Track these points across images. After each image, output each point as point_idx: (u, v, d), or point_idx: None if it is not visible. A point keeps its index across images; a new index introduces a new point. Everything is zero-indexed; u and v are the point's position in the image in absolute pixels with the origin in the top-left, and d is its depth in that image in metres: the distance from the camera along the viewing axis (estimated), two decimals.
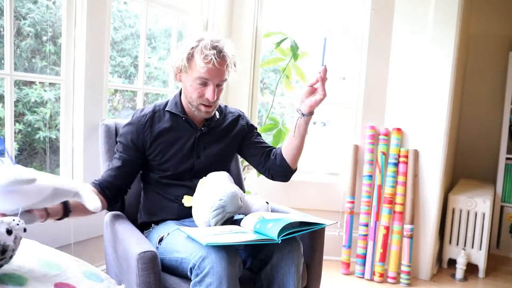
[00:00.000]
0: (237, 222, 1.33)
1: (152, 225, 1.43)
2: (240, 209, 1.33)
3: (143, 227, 1.46)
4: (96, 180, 1.34)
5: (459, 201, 2.55)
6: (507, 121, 2.91)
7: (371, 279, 2.38)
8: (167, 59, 2.52)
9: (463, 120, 3.22)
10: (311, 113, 1.36)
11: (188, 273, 1.15)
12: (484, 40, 3.11)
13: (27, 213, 1.01)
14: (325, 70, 1.30)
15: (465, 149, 3.22)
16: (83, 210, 1.20)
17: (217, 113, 1.48)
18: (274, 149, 1.51)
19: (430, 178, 2.37)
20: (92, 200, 1.07)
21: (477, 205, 2.50)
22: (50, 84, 1.85)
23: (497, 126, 3.01)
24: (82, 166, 1.74)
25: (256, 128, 1.58)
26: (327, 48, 1.33)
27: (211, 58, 1.27)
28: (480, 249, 2.49)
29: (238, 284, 1.14)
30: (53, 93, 1.87)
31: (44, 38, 1.85)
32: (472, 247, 2.51)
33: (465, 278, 2.45)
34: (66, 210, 1.15)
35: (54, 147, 1.85)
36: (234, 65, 1.37)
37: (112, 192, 1.34)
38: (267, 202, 1.43)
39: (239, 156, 1.80)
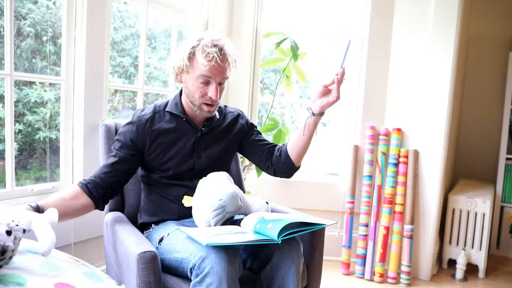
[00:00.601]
0: (237, 223, 1.33)
1: (152, 225, 1.43)
2: (240, 209, 1.33)
3: (143, 227, 1.46)
4: (84, 179, 1.30)
5: (459, 201, 2.55)
6: (507, 121, 2.91)
7: (371, 279, 2.38)
8: (167, 60, 2.52)
9: (463, 120, 3.22)
10: (321, 114, 1.36)
11: (188, 273, 1.15)
12: (484, 40, 3.12)
13: None
14: (343, 73, 1.30)
15: (465, 149, 3.22)
16: (65, 215, 1.21)
17: (217, 113, 1.48)
18: (278, 146, 1.51)
19: (430, 178, 2.37)
20: (42, 243, 0.89)
21: (477, 205, 2.50)
22: (50, 84, 1.85)
23: (497, 126, 3.01)
24: (82, 166, 1.74)
25: (256, 127, 1.58)
26: (349, 51, 1.31)
27: (213, 56, 1.27)
28: (480, 249, 2.49)
29: (238, 284, 1.14)
30: (53, 93, 1.87)
31: (44, 38, 1.85)
32: (472, 247, 2.51)
33: (465, 278, 2.45)
34: None
35: (54, 147, 1.85)
36: (235, 63, 1.37)
37: (101, 193, 1.29)
38: (267, 202, 1.43)
39: (239, 156, 1.80)
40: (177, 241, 1.23)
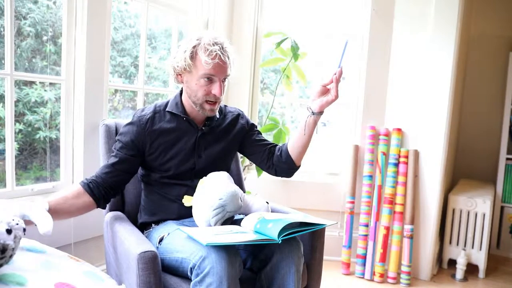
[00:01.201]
0: (237, 222, 1.33)
1: (152, 225, 1.43)
2: (240, 208, 1.33)
3: (143, 227, 1.46)
4: (86, 179, 1.31)
5: (459, 202, 2.55)
6: (507, 121, 2.91)
7: (371, 279, 2.38)
8: (167, 60, 2.52)
9: (464, 121, 3.22)
10: (321, 113, 1.38)
11: (188, 273, 1.15)
12: (485, 40, 3.11)
13: None
14: (341, 72, 1.32)
15: (465, 149, 3.22)
16: (68, 213, 1.22)
17: (217, 113, 1.48)
18: (278, 146, 1.52)
19: (430, 179, 2.36)
20: (42, 224, 0.98)
21: (477, 205, 2.50)
22: (51, 84, 1.85)
23: (497, 126, 3.01)
24: (82, 166, 1.74)
25: (256, 127, 1.58)
26: (347, 51, 1.33)
27: (216, 54, 1.28)
28: (480, 249, 2.49)
29: (238, 284, 1.14)
30: (54, 93, 1.87)
31: (45, 38, 1.85)
32: (472, 247, 2.51)
33: (465, 279, 2.45)
34: None
35: (54, 147, 1.85)
36: (234, 61, 1.38)
37: (102, 192, 1.30)
38: (267, 202, 1.43)
39: (239, 156, 1.80)
40: (177, 241, 1.23)
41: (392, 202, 2.38)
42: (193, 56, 1.31)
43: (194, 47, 1.31)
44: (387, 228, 2.37)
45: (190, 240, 1.18)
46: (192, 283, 1.13)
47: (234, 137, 1.51)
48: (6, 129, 1.54)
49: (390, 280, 2.35)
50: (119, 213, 1.49)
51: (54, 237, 1.55)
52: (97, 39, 1.73)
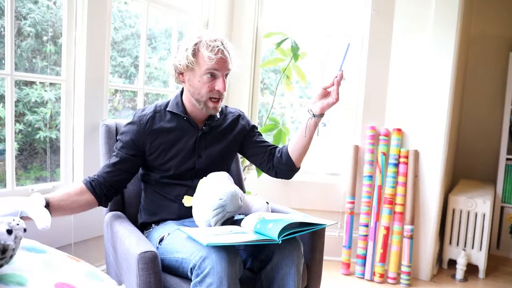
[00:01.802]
0: (238, 223, 1.33)
1: (153, 225, 1.43)
2: (240, 208, 1.33)
3: (143, 227, 1.46)
4: (88, 177, 1.33)
5: (459, 202, 2.55)
6: (507, 121, 2.91)
7: (371, 280, 2.38)
8: (167, 60, 2.52)
9: (464, 121, 3.22)
10: (321, 115, 1.39)
11: (189, 273, 1.15)
12: (485, 40, 3.12)
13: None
14: (342, 76, 1.33)
15: (465, 149, 3.22)
16: (69, 209, 1.24)
17: (217, 113, 1.48)
18: (278, 148, 1.52)
19: (430, 179, 2.37)
20: (40, 219, 0.99)
21: (477, 205, 2.50)
22: (51, 84, 1.85)
23: (497, 127, 3.01)
24: (82, 166, 1.74)
25: (256, 128, 1.59)
26: (348, 54, 1.34)
27: (219, 48, 1.31)
28: (480, 249, 2.49)
29: (238, 284, 1.14)
30: (54, 93, 1.87)
31: (45, 38, 1.85)
32: (472, 247, 2.51)
33: (465, 279, 2.45)
34: None
35: (54, 147, 1.85)
36: (234, 58, 1.40)
37: (104, 191, 1.32)
38: (267, 202, 1.44)
39: (239, 157, 1.80)
40: (178, 241, 1.23)
41: (392, 202, 2.38)
42: (196, 53, 1.32)
43: (196, 44, 1.32)
44: (387, 228, 2.37)
45: (190, 240, 1.18)
46: (192, 283, 1.13)
47: (235, 137, 1.51)
48: (6, 129, 1.54)
49: (390, 281, 2.35)
50: (119, 213, 1.49)
51: (54, 237, 1.56)
52: (97, 39, 1.73)
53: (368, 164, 2.45)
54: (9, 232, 0.76)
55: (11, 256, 0.78)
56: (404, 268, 2.33)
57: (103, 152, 1.55)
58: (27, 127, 1.85)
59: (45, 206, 1.13)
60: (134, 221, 1.48)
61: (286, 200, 2.51)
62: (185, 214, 1.38)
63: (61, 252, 0.97)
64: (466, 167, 3.22)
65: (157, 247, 1.29)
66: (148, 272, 1.11)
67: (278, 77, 2.49)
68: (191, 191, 1.36)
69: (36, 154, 1.89)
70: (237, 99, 2.60)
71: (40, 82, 1.83)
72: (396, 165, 2.40)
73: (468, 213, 2.53)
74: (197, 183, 1.35)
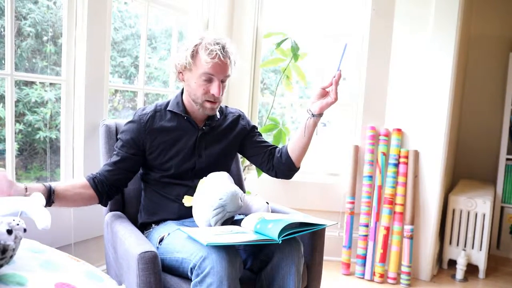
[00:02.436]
0: (238, 223, 1.33)
1: (153, 225, 1.43)
2: (240, 208, 1.33)
3: (144, 227, 1.46)
4: (92, 173, 1.34)
5: (459, 202, 2.55)
6: (508, 121, 2.91)
7: (371, 280, 2.38)
8: (167, 60, 2.52)
9: (464, 121, 3.22)
10: (320, 115, 1.40)
11: (189, 273, 1.15)
12: (485, 40, 3.11)
13: None
14: (340, 75, 1.34)
15: (465, 149, 3.22)
16: (72, 201, 1.25)
17: (217, 113, 1.49)
18: (278, 148, 1.52)
19: (430, 179, 2.36)
20: (40, 219, 0.98)
21: (477, 205, 2.50)
22: (51, 84, 1.85)
23: (497, 127, 3.01)
24: (82, 167, 1.74)
25: (256, 128, 1.59)
26: (346, 54, 1.35)
27: (216, 53, 1.30)
28: (480, 249, 2.49)
29: (238, 284, 1.13)
30: (54, 93, 1.87)
31: (45, 38, 1.85)
32: (472, 247, 2.51)
33: (465, 279, 2.45)
34: (48, 198, 1.16)
35: (54, 147, 1.85)
36: (235, 62, 1.39)
37: (106, 189, 1.33)
38: (267, 203, 1.44)
39: (239, 157, 1.80)
40: (178, 241, 1.23)
41: (392, 202, 2.38)
42: (194, 54, 1.32)
43: (195, 45, 1.32)
44: (387, 229, 2.37)
45: (190, 240, 1.18)
46: (192, 283, 1.13)
47: (235, 137, 1.52)
48: (6, 129, 1.54)
49: (390, 281, 2.35)
50: (119, 213, 1.49)
51: (54, 237, 1.56)
52: (97, 40, 1.73)
53: (368, 164, 2.45)
54: (9, 232, 0.76)
55: (11, 256, 0.78)
56: (404, 268, 2.33)
57: (103, 152, 1.55)
58: (27, 127, 1.85)
59: (51, 193, 1.16)
60: (134, 221, 1.48)
61: (286, 200, 2.51)
62: (185, 214, 1.38)
63: (61, 252, 0.97)
64: (466, 167, 3.22)
65: (157, 247, 1.29)
66: (148, 272, 1.11)
67: (278, 77, 2.49)
68: (191, 191, 1.36)
69: (36, 154, 1.89)
70: (237, 99, 2.60)
71: (40, 82, 1.83)
72: (396, 165, 2.40)
73: (468, 213, 2.53)
74: (197, 183, 1.35)
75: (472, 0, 2.97)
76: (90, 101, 1.73)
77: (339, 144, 2.74)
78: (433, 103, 2.34)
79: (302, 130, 1.41)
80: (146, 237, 1.38)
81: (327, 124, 3.21)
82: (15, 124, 1.58)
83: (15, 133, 1.60)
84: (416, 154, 2.39)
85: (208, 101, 1.37)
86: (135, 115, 1.42)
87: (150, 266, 1.11)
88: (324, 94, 1.38)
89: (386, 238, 2.37)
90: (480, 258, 2.49)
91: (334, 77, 1.33)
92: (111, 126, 1.58)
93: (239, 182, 1.76)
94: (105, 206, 1.39)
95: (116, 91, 2.41)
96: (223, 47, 1.32)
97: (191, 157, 1.42)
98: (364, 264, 2.41)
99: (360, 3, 2.54)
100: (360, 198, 2.46)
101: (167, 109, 1.44)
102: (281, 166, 1.49)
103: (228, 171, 1.50)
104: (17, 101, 1.76)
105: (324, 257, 1.57)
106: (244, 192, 1.75)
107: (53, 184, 1.20)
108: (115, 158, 1.37)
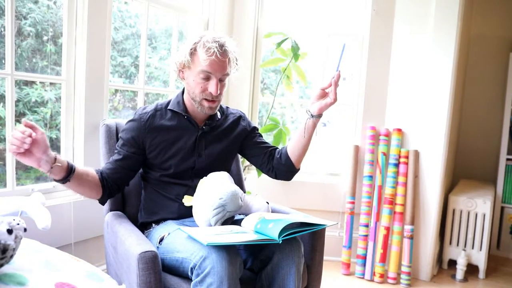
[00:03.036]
0: (238, 222, 1.33)
1: (153, 224, 1.43)
2: (240, 208, 1.33)
3: (144, 227, 1.46)
4: (98, 168, 1.36)
5: (459, 202, 2.55)
6: (508, 121, 2.91)
7: (371, 280, 2.38)
8: (167, 59, 2.52)
9: (464, 121, 3.22)
10: (320, 115, 1.40)
11: (189, 273, 1.15)
12: (485, 41, 3.12)
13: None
14: (339, 76, 1.34)
15: (465, 149, 3.22)
16: (83, 185, 1.27)
17: (218, 113, 1.49)
18: (278, 149, 1.53)
19: (431, 179, 2.36)
20: (40, 219, 1.00)
21: (478, 206, 2.50)
22: (51, 84, 1.85)
23: (497, 127, 3.01)
24: (82, 166, 1.73)
25: (257, 129, 1.59)
26: (344, 54, 1.35)
27: (214, 51, 1.30)
28: (481, 250, 2.49)
29: (238, 284, 1.13)
30: (54, 93, 1.87)
31: (45, 38, 1.85)
32: (473, 248, 2.51)
33: (465, 279, 2.45)
34: (67, 175, 1.20)
35: (54, 147, 1.85)
36: (236, 61, 1.39)
37: (109, 184, 1.35)
38: (267, 202, 1.44)
39: (239, 157, 1.80)
40: (178, 241, 1.23)
41: (392, 202, 2.38)
42: (193, 52, 1.33)
43: (195, 43, 1.33)
44: (387, 229, 2.37)
45: (190, 240, 1.18)
46: (192, 283, 1.13)
47: (235, 138, 1.52)
48: (6, 129, 1.54)
49: (390, 281, 2.35)
50: (119, 212, 1.49)
51: (54, 237, 1.56)
52: (98, 39, 1.73)
53: (368, 164, 2.45)
54: (10, 232, 0.76)
55: (12, 256, 0.78)
56: (404, 268, 2.33)
57: (104, 152, 1.55)
58: None
59: (71, 172, 1.20)
60: (134, 220, 1.48)
61: (286, 200, 2.51)
62: (186, 213, 1.38)
63: (61, 252, 0.97)
64: (466, 167, 3.22)
65: (157, 247, 1.29)
66: (148, 272, 1.11)
67: (278, 77, 2.49)
68: (191, 191, 1.36)
69: None
70: (237, 99, 2.60)
71: (40, 82, 1.83)
72: (396, 165, 2.40)
73: (468, 213, 2.53)
74: (197, 183, 1.35)
75: (472, 0, 2.97)
76: (90, 100, 1.73)
77: (339, 144, 2.74)
78: (433, 103, 2.34)
79: (301, 131, 1.41)
80: (146, 236, 1.38)
81: (327, 124, 3.21)
82: (15, 124, 1.58)
83: None
84: (416, 154, 2.39)
85: (206, 99, 1.37)
86: (136, 114, 1.42)
87: (150, 266, 1.11)
88: (323, 95, 1.38)
89: (386, 238, 2.37)
90: (480, 258, 2.49)
91: (333, 77, 1.34)
92: (111, 126, 1.58)
93: (239, 182, 1.76)
94: (103, 204, 1.39)
95: (116, 90, 2.41)
96: (222, 45, 1.33)
97: (191, 157, 1.42)
98: (364, 264, 2.41)
99: (360, 3, 2.54)
100: (360, 198, 2.46)
101: (168, 108, 1.44)
102: (281, 167, 1.49)
103: (228, 171, 1.50)
104: (17, 101, 1.76)
105: (324, 257, 1.57)
106: (244, 192, 1.75)
107: (74, 164, 1.24)
108: (116, 157, 1.39)
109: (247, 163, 2.49)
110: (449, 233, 2.58)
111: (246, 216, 1.33)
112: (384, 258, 2.36)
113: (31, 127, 1.10)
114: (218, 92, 1.35)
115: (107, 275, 0.94)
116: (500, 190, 2.90)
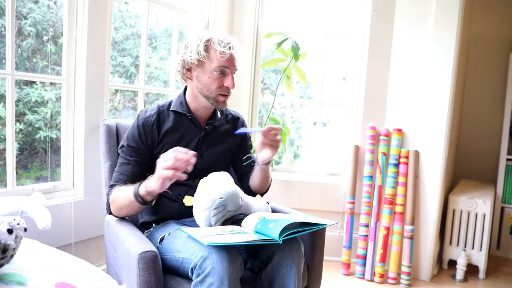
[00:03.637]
0: (238, 223, 1.33)
1: (153, 225, 1.43)
2: (240, 208, 1.33)
3: (144, 227, 1.46)
4: (113, 183, 1.36)
5: (459, 202, 2.55)
6: (508, 122, 2.91)
7: (371, 280, 2.38)
8: (168, 59, 2.52)
9: (464, 121, 3.22)
10: (267, 163, 1.44)
11: (189, 273, 1.15)
12: (485, 41, 3.12)
13: None
14: (266, 130, 1.38)
15: (465, 150, 3.22)
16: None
17: (218, 113, 1.49)
18: (248, 175, 1.55)
19: (431, 179, 2.36)
20: (40, 219, 1.00)
21: (478, 206, 2.50)
22: (51, 83, 1.85)
23: (497, 127, 3.01)
24: (82, 166, 1.74)
25: (250, 139, 1.63)
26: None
27: (230, 46, 1.35)
28: (481, 250, 2.49)
29: (239, 284, 1.13)
30: (54, 93, 1.87)
31: (45, 37, 1.85)
32: (473, 248, 2.51)
33: (465, 279, 2.45)
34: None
35: (54, 146, 1.85)
36: (239, 59, 1.43)
37: None
38: (267, 202, 1.44)
39: None
40: (178, 241, 1.23)
41: (392, 202, 2.38)
42: (207, 48, 1.35)
43: (208, 40, 1.35)
44: (387, 229, 2.37)
45: (191, 240, 1.18)
46: (193, 283, 1.13)
47: (235, 139, 1.54)
48: (6, 129, 1.54)
49: (390, 281, 2.35)
50: None
51: (54, 237, 1.56)
52: (98, 39, 1.73)
53: (369, 164, 2.45)
54: (10, 231, 0.76)
55: (12, 256, 0.78)
56: (404, 269, 2.33)
57: (104, 151, 1.55)
58: (28, 126, 1.85)
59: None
60: (134, 220, 1.48)
61: (286, 200, 2.51)
62: (186, 213, 1.37)
63: (62, 252, 0.97)
64: (467, 167, 3.22)
65: (158, 247, 1.28)
66: (148, 272, 1.11)
67: (279, 77, 2.49)
68: (192, 191, 1.36)
69: (37, 154, 1.89)
70: (237, 99, 2.60)
71: (40, 82, 1.83)
72: (397, 165, 2.40)
73: (468, 213, 2.53)
74: (198, 183, 1.35)
75: (473, 0, 2.97)
76: (90, 100, 1.73)
77: (339, 144, 2.74)
78: (434, 103, 2.34)
79: (257, 171, 1.46)
80: (147, 236, 1.38)
81: (327, 124, 3.21)
82: (15, 124, 1.58)
83: (16, 132, 1.60)
84: (417, 154, 2.39)
85: (221, 94, 1.39)
86: (139, 119, 1.41)
87: (151, 265, 1.11)
88: (266, 143, 1.39)
89: (386, 238, 2.37)
90: (480, 258, 2.49)
91: (258, 131, 1.37)
92: (112, 126, 1.58)
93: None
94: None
95: (116, 90, 2.42)
96: (232, 42, 1.38)
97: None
98: (364, 264, 2.41)
99: (360, 3, 2.54)
100: (360, 198, 2.46)
101: (171, 109, 1.44)
102: (249, 191, 1.53)
103: (229, 171, 1.50)
104: (18, 101, 1.76)
105: (324, 257, 1.57)
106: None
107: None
108: (133, 168, 1.36)
109: None
110: (449, 233, 2.58)
111: (246, 216, 1.33)
112: (384, 258, 2.36)
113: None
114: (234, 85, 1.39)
115: (107, 275, 0.94)
116: (500, 190, 2.90)
